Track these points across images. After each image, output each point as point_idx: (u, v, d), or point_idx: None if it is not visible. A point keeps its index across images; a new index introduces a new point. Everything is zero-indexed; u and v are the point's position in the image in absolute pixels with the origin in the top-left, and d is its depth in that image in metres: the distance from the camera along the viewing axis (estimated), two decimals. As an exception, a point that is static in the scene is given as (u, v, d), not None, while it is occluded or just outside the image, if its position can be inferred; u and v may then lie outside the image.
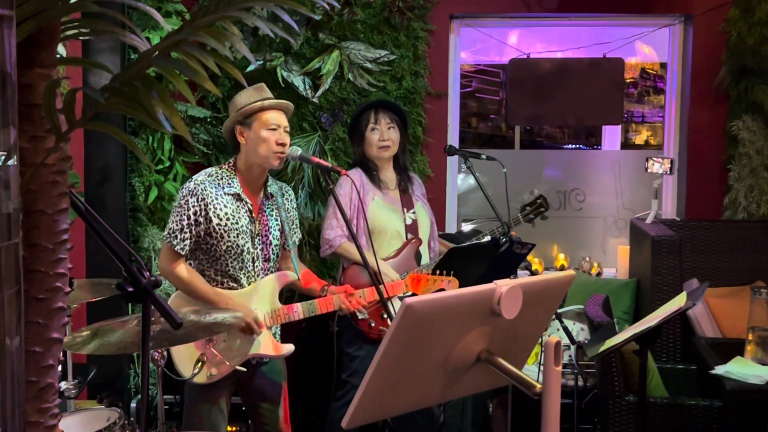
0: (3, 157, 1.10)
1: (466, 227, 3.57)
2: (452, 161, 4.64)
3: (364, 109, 3.59)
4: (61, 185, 1.29)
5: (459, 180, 4.96)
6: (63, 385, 3.13)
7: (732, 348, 3.34)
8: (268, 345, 2.97)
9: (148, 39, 3.99)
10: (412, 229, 3.54)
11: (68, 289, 1.33)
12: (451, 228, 4.64)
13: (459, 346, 1.45)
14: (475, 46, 5.29)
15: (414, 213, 3.58)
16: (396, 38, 4.44)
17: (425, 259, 3.56)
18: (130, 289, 1.66)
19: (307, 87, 4.42)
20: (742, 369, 3.10)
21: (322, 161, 2.88)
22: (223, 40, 1.27)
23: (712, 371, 3.15)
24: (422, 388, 1.48)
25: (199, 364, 2.83)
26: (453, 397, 1.58)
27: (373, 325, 3.38)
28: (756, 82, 4.36)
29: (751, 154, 4.38)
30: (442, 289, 3.15)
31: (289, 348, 3.02)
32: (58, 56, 1.29)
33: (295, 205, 3.14)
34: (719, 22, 4.42)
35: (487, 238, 3.56)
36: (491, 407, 4.02)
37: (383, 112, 3.57)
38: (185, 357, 2.90)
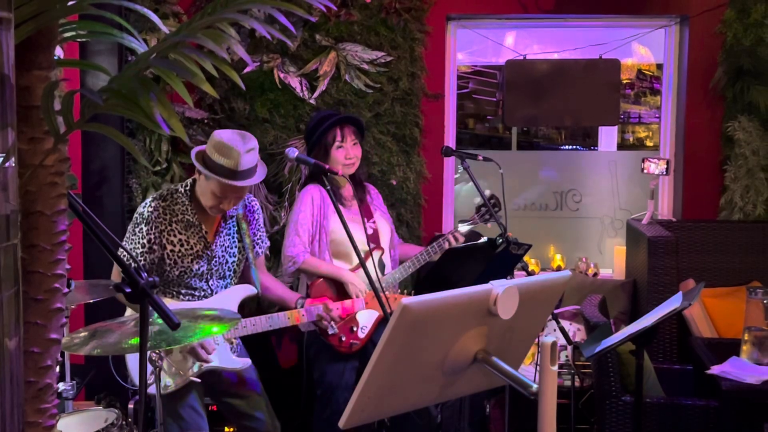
0: (1, 159, 1.11)
1: (463, 228, 3.56)
2: (449, 162, 4.65)
3: (330, 126, 3.43)
4: (60, 186, 1.29)
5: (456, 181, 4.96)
6: (61, 385, 3.13)
7: (728, 348, 3.34)
8: (224, 357, 2.94)
9: (145, 41, 3.99)
10: (373, 238, 3.50)
11: (66, 290, 1.34)
12: (447, 229, 4.64)
13: (456, 346, 1.45)
14: (471, 47, 5.29)
15: (374, 222, 3.56)
16: (393, 39, 4.44)
17: (387, 268, 3.54)
18: (128, 290, 1.66)
19: (304, 88, 4.42)
20: (738, 369, 3.11)
21: (319, 162, 2.88)
22: (221, 42, 1.28)
23: (709, 371, 3.16)
24: (419, 388, 1.48)
25: (153, 376, 2.68)
26: (450, 397, 1.58)
27: (343, 339, 3.37)
28: (752, 83, 4.36)
29: (747, 155, 4.38)
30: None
31: (244, 362, 2.99)
32: (55, 58, 1.29)
33: (258, 216, 3.10)
34: (715, 24, 4.43)
35: (466, 227, 3.54)
36: (488, 407, 4.02)
37: (348, 128, 3.45)
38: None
